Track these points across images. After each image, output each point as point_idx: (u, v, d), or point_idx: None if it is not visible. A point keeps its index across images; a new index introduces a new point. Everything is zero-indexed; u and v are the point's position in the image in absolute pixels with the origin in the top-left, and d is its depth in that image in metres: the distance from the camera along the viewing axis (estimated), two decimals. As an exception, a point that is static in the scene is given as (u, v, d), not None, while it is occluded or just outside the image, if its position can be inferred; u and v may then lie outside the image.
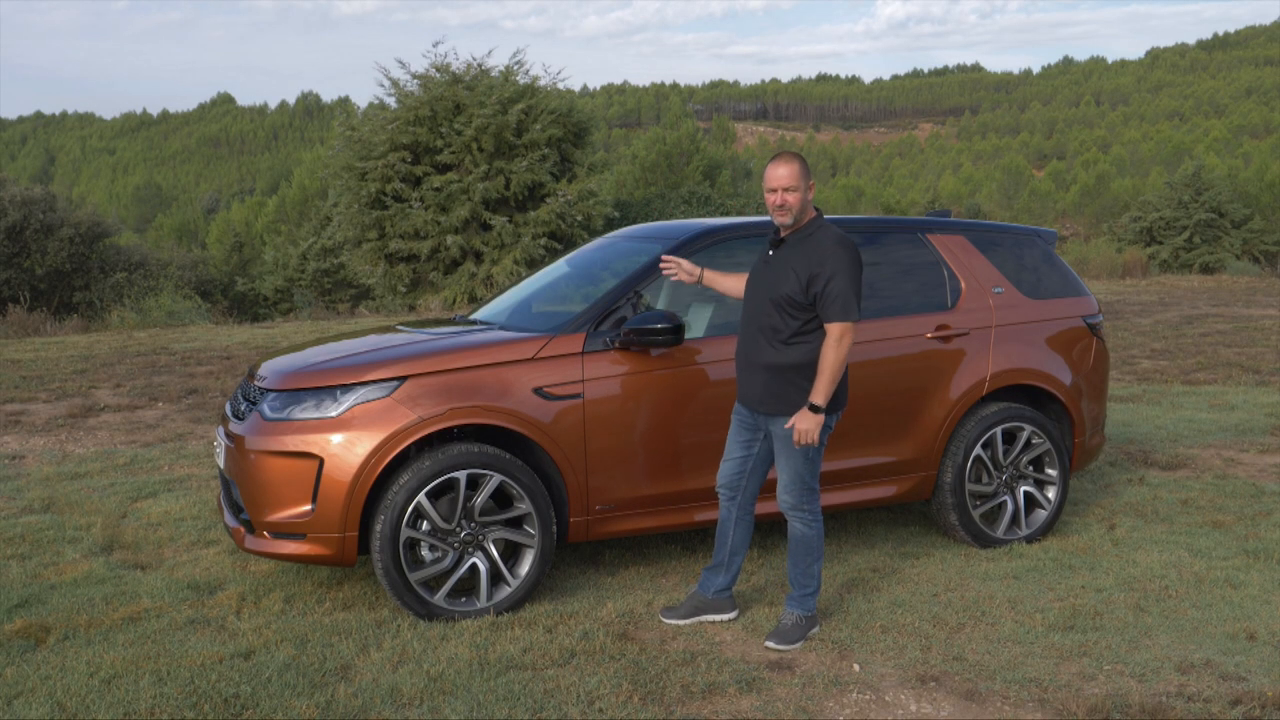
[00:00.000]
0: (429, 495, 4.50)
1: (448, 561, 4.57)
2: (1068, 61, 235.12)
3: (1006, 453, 5.55)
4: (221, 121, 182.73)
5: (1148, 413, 8.98)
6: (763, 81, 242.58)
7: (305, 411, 4.54)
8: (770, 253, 4.34)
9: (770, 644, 4.27)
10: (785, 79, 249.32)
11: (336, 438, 4.46)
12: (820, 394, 4.12)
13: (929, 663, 4.10)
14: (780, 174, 4.20)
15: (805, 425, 4.13)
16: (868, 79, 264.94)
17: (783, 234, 4.31)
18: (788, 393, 4.23)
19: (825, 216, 4.38)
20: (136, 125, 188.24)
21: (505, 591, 4.64)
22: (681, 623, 4.47)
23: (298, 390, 4.61)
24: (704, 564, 5.30)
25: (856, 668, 4.07)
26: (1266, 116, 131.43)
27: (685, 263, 4.63)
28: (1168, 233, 41.21)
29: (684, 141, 38.43)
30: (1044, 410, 5.79)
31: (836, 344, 4.13)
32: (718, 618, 4.53)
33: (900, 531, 5.84)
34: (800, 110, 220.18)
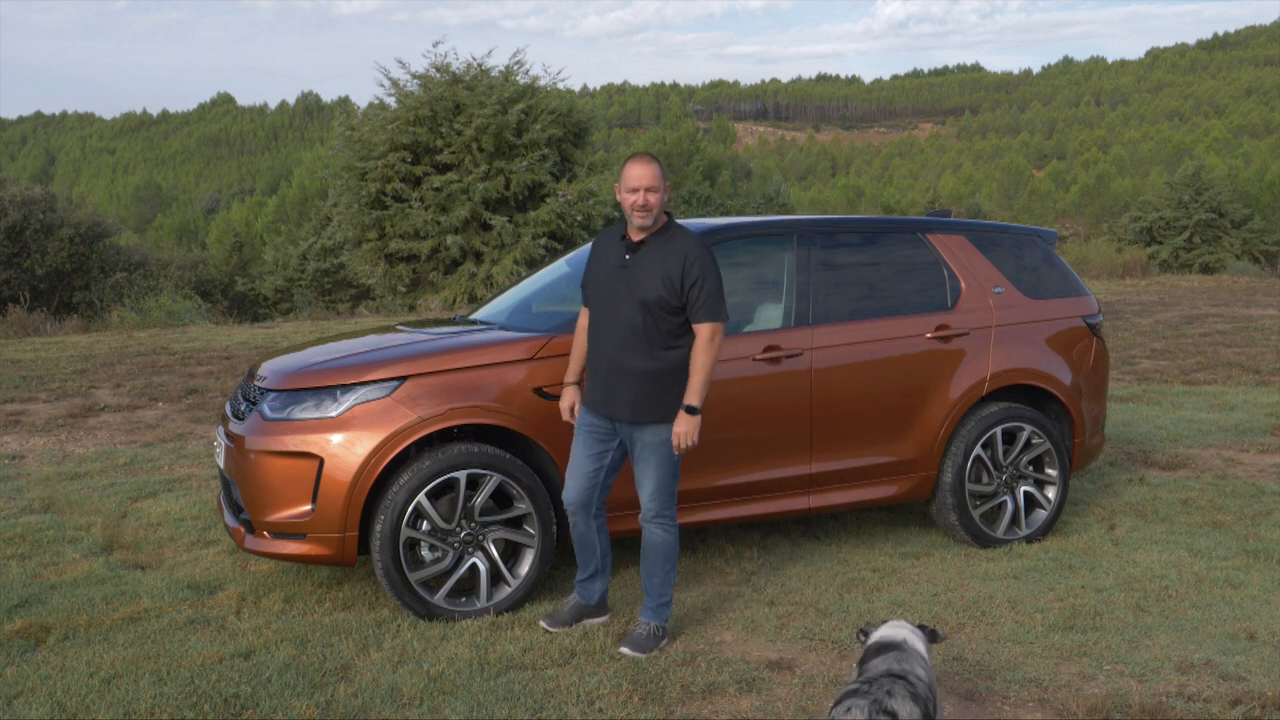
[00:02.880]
0: (429, 495, 4.50)
1: (448, 561, 4.57)
2: (1068, 61, 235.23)
3: (1006, 453, 5.56)
4: (221, 121, 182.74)
5: (1148, 413, 8.98)
6: (763, 81, 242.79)
7: (305, 411, 4.54)
8: (627, 256, 4.21)
9: (625, 649, 4.19)
10: (785, 79, 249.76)
11: (336, 438, 4.46)
12: (695, 395, 4.10)
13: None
14: (642, 173, 4.12)
15: (684, 428, 4.09)
16: (868, 79, 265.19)
17: (636, 237, 4.22)
18: (663, 399, 4.15)
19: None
20: (136, 125, 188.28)
21: (505, 591, 4.64)
22: (564, 630, 4.39)
23: (298, 390, 4.61)
24: (705, 564, 5.30)
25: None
26: (1266, 116, 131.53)
27: (573, 402, 4.41)
28: (1168, 233, 41.26)
29: (684, 141, 38.49)
30: (1044, 410, 5.79)
31: (708, 344, 4.11)
32: (596, 620, 4.48)
33: (900, 531, 5.83)
34: (800, 110, 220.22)
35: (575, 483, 4.33)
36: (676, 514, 4.34)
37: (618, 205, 26.09)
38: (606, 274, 4.26)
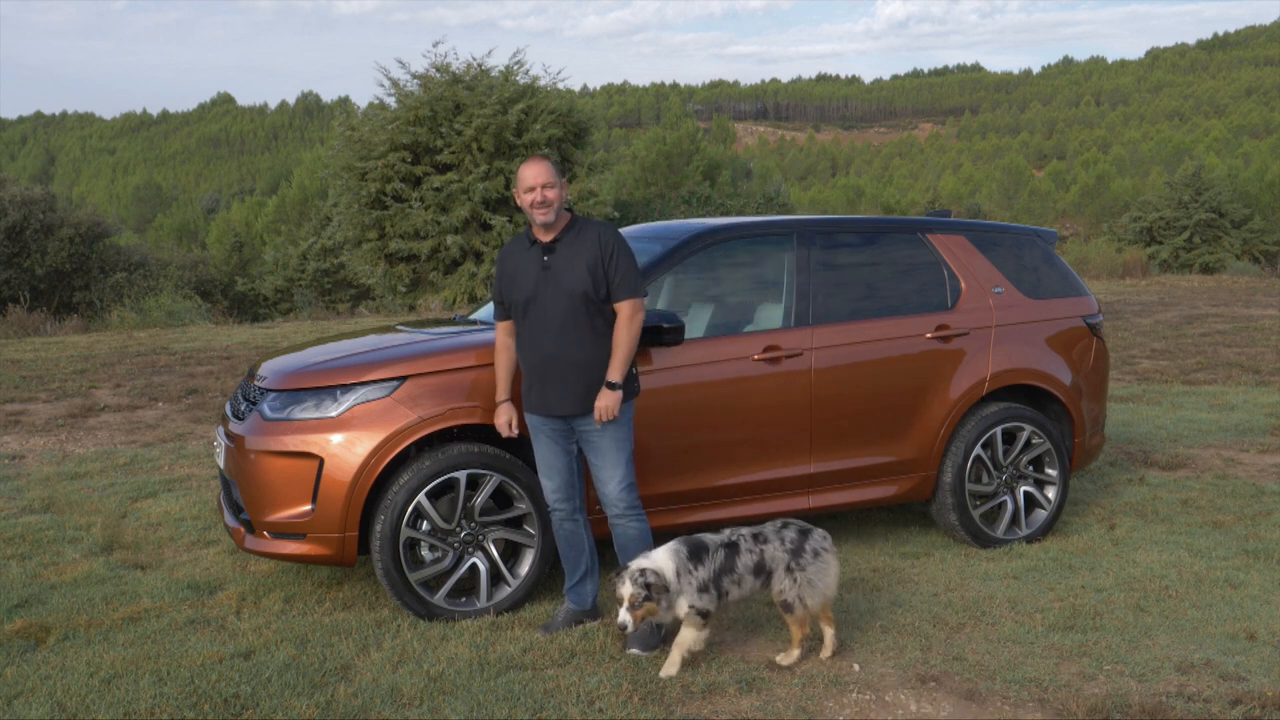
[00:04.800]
0: (429, 495, 4.50)
1: (448, 561, 4.57)
2: (1068, 61, 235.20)
3: (1006, 453, 5.56)
4: (221, 121, 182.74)
5: (1148, 413, 8.98)
6: (763, 81, 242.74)
7: (305, 411, 4.54)
8: (545, 257, 4.29)
9: (634, 650, 4.20)
10: (785, 79, 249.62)
11: (336, 438, 4.46)
12: (617, 371, 4.21)
13: (929, 663, 4.10)
14: (535, 171, 4.25)
15: (605, 403, 4.20)
16: (868, 79, 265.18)
17: (545, 237, 4.30)
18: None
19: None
20: (136, 125, 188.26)
21: (505, 591, 4.64)
22: (556, 635, 4.37)
23: (298, 390, 4.61)
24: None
25: (856, 668, 4.07)
26: (1266, 116, 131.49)
27: (510, 417, 4.42)
28: (1168, 233, 41.24)
29: (684, 141, 38.41)
30: (1044, 410, 5.79)
31: (629, 322, 4.24)
32: (594, 623, 4.49)
33: (900, 531, 5.83)
34: (800, 110, 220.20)
35: (553, 480, 4.37)
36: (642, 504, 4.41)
37: (618, 205, 26.16)
38: (528, 279, 4.31)
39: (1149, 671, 4.00)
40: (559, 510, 4.39)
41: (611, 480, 4.29)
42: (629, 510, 4.32)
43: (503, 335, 4.46)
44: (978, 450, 5.45)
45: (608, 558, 5.44)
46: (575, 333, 4.23)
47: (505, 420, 4.42)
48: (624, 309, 4.25)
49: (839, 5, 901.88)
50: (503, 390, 4.47)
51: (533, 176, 4.24)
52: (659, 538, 5.63)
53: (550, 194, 4.23)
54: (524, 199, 4.27)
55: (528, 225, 4.39)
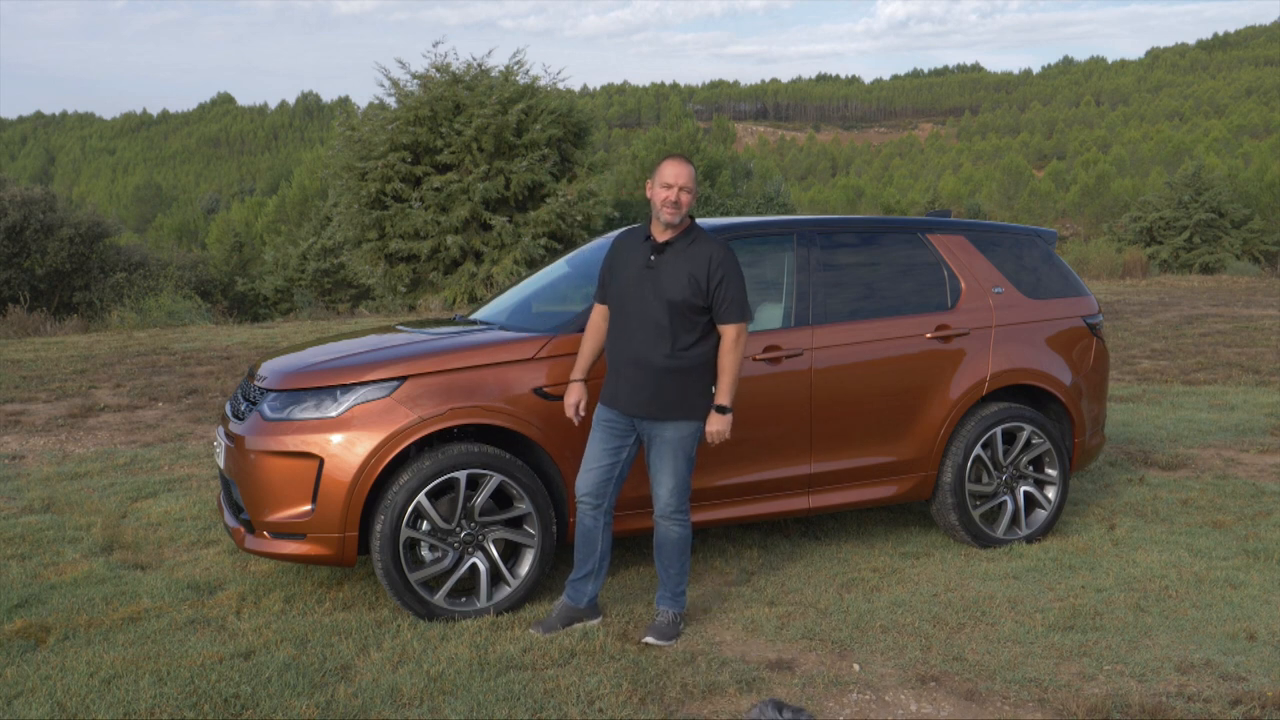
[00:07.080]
0: (429, 495, 4.50)
1: (448, 561, 4.57)
2: (1068, 61, 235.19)
3: (1006, 453, 5.56)
4: (221, 121, 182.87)
5: (1148, 413, 8.98)
6: (763, 81, 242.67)
7: (305, 411, 4.54)
8: (652, 257, 4.32)
9: (650, 639, 4.26)
10: (785, 79, 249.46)
11: (336, 438, 4.46)
12: (726, 394, 4.26)
13: (929, 663, 4.10)
14: (679, 171, 4.27)
15: (718, 426, 4.26)
16: (868, 79, 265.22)
17: (661, 236, 4.33)
18: (686, 397, 4.27)
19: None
20: (136, 125, 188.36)
21: (505, 591, 4.64)
22: (555, 635, 4.37)
23: (298, 390, 4.61)
24: (705, 564, 5.30)
25: (856, 668, 4.07)
26: (1266, 116, 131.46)
27: (580, 399, 4.44)
28: (1168, 233, 41.23)
29: (684, 141, 38.47)
30: (1044, 410, 5.79)
31: (734, 345, 4.26)
32: (591, 623, 4.49)
33: (900, 531, 5.83)
34: (800, 110, 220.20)
35: (590, 475, 4.39)
36: (690, 510, 4.44)
37: (618, 205, 26.17)
38: (632, 274, 4.35)
39: (1149, 671, 4.00)
40: (584, 502, 4.42)
41: (666, 484, 4.33)
42: (675, 514, 4.36)
43: (597, 317, 4.49)
44: (978, 450, 5.45)
45: (614, 561, 5.44)
46: (660, 338, 4.25)
47: (574, 401, 4.43)
48: (730, 332, 4.26)
49: (839, 5, 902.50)
50: (580, 369, 4.49)
51: (673, 175, 4.26)
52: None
53: (685, 197, 4.26)
54: (657, 194, 4.28)
55: (648, 219, 4.41)
